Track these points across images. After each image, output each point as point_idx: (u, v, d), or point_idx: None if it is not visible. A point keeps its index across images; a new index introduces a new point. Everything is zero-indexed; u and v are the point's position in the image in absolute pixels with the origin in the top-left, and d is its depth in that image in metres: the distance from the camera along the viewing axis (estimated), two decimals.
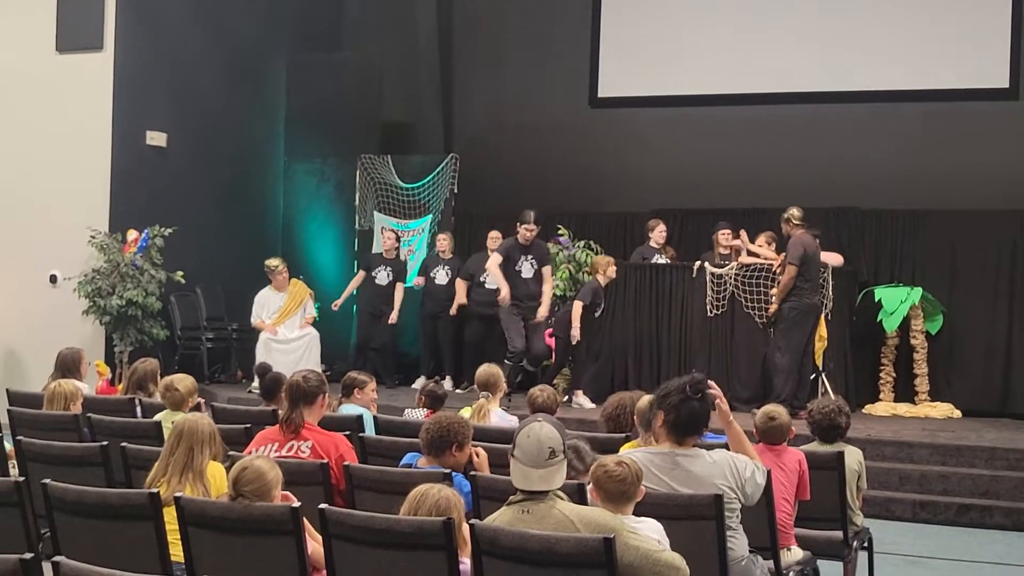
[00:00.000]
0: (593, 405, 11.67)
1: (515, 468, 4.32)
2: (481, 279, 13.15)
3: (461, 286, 13.25)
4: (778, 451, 6.09)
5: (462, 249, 14.08)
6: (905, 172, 13.44)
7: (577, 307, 11.83)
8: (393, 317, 13.49)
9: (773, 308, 11.30)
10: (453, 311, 13.24)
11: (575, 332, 11.74)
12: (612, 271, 12.06)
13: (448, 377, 13.32)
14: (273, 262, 13.18)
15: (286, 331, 13.08)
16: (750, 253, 12.15)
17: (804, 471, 6.04)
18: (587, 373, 12.41)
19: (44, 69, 13.43)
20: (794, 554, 5.90)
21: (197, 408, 7.48)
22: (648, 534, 4.34)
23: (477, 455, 5.84)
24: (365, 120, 15.23)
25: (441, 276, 13.53)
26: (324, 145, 15.24)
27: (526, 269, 11.84)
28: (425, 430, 5.67)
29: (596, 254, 12.96)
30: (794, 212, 11.38)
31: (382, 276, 13.63)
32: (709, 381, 5.16)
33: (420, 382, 13.16)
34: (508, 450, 4.37)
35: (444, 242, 13.69)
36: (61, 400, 7.66)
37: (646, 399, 6.27)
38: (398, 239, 13.94)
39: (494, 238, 13.28)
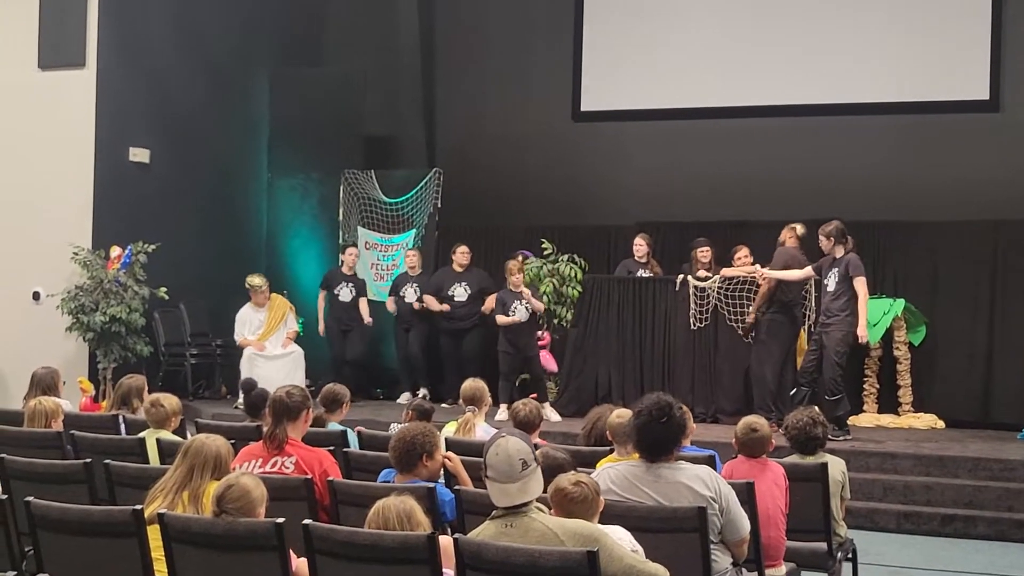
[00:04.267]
0: (559, 418, 11.73)
1: (492, 488, 4.34)
2: (449, 293, 13.21)
3: (431, 301, 13.36)
4: (760, 463, 6.09)
5: (446, 264, 14.07)
6: (887, 184, 13.50)
7: (499, 319, 12.12)
8: (367, 319, 13.68)
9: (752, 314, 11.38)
10: (440, 307, 13.32)
11: (504, 321, 12.02)
12: (515, 279, 12.11)
13: (424, 391, 13.34)
14: (255, 280, 13.21)
15: (271, 347, 13.09)
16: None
17: (786, 486, 6.05)
18: (568, 387, 12.49)
19: (26, 86, 13.41)
20: (779, 567, 5.90)
21: (180, 427, 7.47)
22: (619, 541, 4.37)
23: (449, 459, 5.87)
24: (348, 135, 15.23)
25: (410, 294, 13.56)
26: (307, 160, 15.25)
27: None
28: (392, 448, 5.69)
29: (580, 267, 12.99)
30: (798, 228, 11.49)
31: (344, 293, 13.72)
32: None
33: (405, 397, 13.21)
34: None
35: (413, 259, 13.72)
36: (42, 417, 7.63)
37: (616, 414, 6.31)
38: (357, 256, 14.10)
39: (463, 252, 13.37)
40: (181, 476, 5.18)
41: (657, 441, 5.02)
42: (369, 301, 13.97)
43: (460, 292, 13.26)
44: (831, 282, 10.65)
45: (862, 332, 10.51)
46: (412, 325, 13.57)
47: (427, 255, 14.17)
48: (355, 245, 14.33)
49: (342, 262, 13.97)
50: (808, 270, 11.01)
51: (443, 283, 13.42)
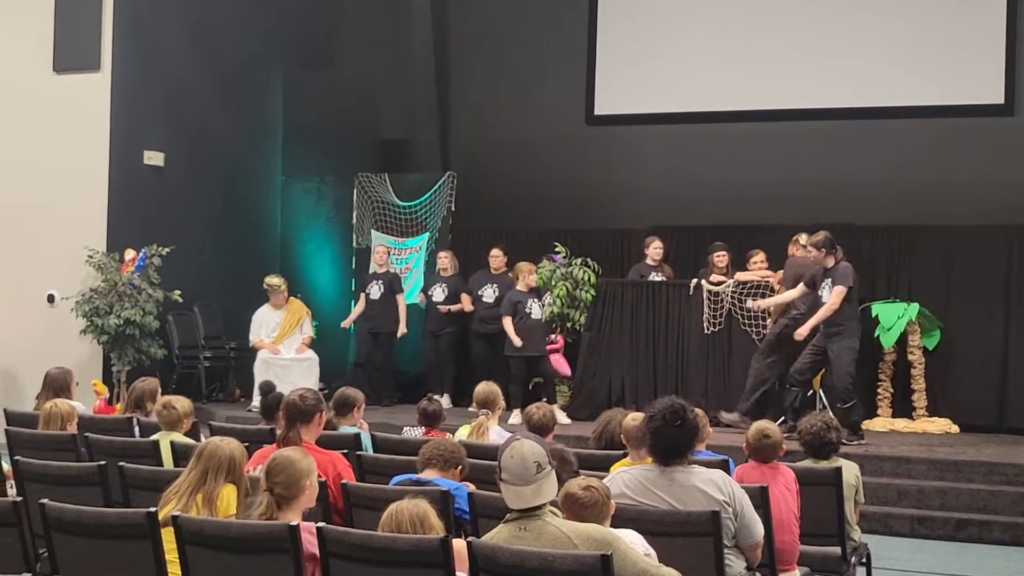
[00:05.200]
0: (568, 421, 11.71)
1: (506, 490, 4.34)
2: (479, 294, 13.22)
3: (466, 300, 13.43)
4: (772, 468, 6.07)
5: (460, 266, 14.05)
6: (901, 188, 13.46)
7: (506, 322, 12.14)
8: (401, 328, 13.53)
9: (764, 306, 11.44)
10: (455, 307, 13.43)
11: (516, 343, 12.00)
12: (532, 279, 12.26)
13: (446, 395, 13.29)
14: (274, 281, 13.23)
15: (284, 350, 13.10)
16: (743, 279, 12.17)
17: (797, 490, 6.04)
18: (581, 391, 12.53)
19: (41, 89, 13.46)
20: (793, 572, 5.89)
21: (193, 429, 7.48)
22: (631, 545, 4.37)
23: None
24: (362, 138, 15.27)
25: (438, 294, 13.54)
26: (321, 163, 15.28)
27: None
28: (434, 446, 5.84)
29: (593, 271, 13.00)
30: (801, 238, 11.50)
31: (374, 291, 13.62)
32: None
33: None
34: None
35: (444, 260, 13.71)
36: (57, 420, 7.65)
37: (630, 417, 6.30)
38: (387, 254, 14.02)
39: (495, 256, 13.34)
40: (195, 479, 5.20)
41: (671, 445, 5.03)
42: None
43: (489, 294, 13.25)
44: (825, 293, 10.69)
45: (802, 330, 10.64)
46: (442, 329, 13.57)
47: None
48: (383, 244, 14.32)
49: (372, 261, 13.99)
50: (801, 287, 11.07)
51: (475, 285, 13.48)
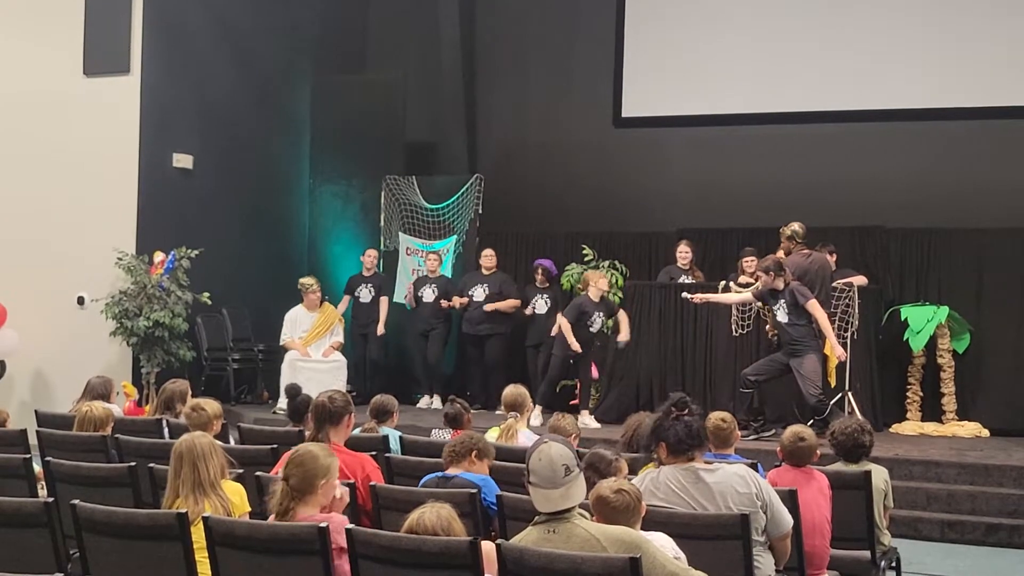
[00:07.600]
0: (598, 425, 11.69)
1: (535, 493, 4.33)
2: (469, 293, 13.37)
3: (455, 299, 13.48)
4: (806, 473, 6.05)
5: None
6: (930, 190, 13.40)
7: (564, 324, 11.90)
8: (379, 329, 13.67)
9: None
10: (461, 301, 13.39)
11: (574, 347, 11.77)
12: (603, 283, 12.12)
13: (436, 396, 13.36)
14: (308, 280, 13.29)
15: (313, 352, 13.12)
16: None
17: (830, 496, 6.03)
18: (608, 394, 12.53)
19: (72, 92, 13.54)
20: (822, 575, 5.87)
21: (223, 431, 7.50)
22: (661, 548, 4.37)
23: None
24: (390, 141, 15.27)
25: (428, 294, 13.61)
26: (349, 166, 15.31)
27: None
28: (462, 438, 6.01)
29: (621, 274, 12.98)
30: (796, 228, 11.48)
31: (364, 294, 13.84)
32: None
33: (425, 401, 13.32)
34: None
35: (433, 262, 13.75)
36: (91, 425, 7.68)
37: None
38: (377, 258, 14.17)
39: (487, 256, 13.49)
40: (189, 475, 5.19)
41: (681, 434, 5.05)
42: (394, 303, 14.03)
43: (479, 293, 13.37)
44: (780, 313, 10.85)
45: (839, 352, 10.77)
46: (432, 328, 13.61)
47: (468, 261, 14.20)
48: (375, 248, 14.43)
49: (362, 264, 14.08)
50: (748, 295, 11.28)
51: (467, 284, 13.58)
